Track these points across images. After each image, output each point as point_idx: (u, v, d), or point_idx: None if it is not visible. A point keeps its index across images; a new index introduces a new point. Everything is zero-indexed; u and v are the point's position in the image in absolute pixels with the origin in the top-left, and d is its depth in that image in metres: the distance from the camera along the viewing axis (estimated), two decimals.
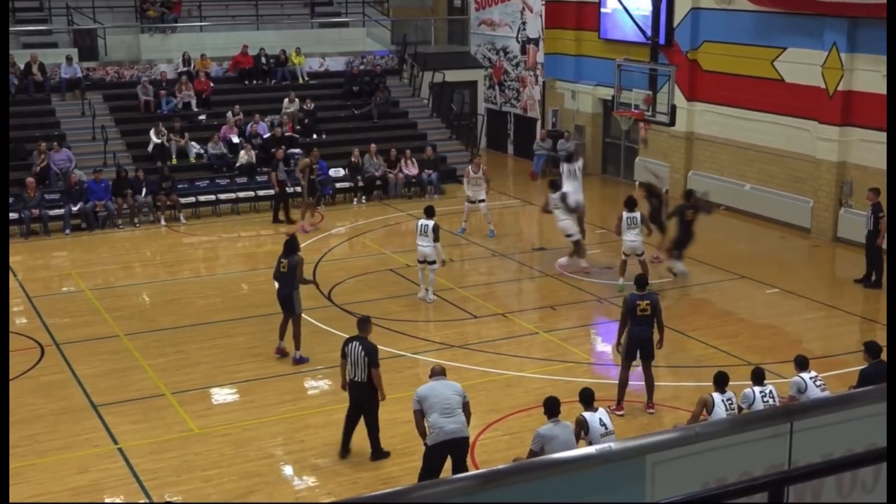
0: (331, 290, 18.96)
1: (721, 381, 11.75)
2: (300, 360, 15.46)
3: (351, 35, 33.12)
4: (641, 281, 14.08)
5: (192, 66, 29.34)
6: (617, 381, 13.97)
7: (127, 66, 29.35)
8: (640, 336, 13.53)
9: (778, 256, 20.69)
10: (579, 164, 20.78)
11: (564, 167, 20.72)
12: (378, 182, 26.62)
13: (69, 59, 28.02)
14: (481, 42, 33.48)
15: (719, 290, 19.28)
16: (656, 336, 13.63)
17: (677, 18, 26.06)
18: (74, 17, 30.00)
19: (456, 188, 27.65)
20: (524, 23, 31.33)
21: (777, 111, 23.56)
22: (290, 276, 15.50)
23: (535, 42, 31.01)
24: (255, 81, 30.00)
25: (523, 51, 31.57)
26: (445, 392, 11.16)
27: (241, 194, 25.54)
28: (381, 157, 26.93)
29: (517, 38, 31.74)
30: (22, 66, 27.55)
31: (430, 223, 18.19)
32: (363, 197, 26.44)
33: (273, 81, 30.10)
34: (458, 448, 11.06)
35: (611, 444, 5.03)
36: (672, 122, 24.41)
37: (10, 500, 11.49)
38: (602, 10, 28.33)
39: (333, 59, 31.49)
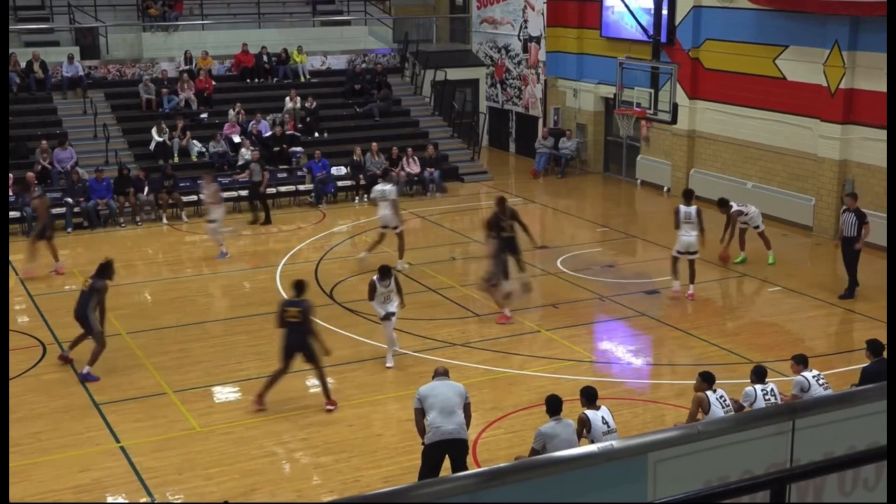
0: (332, 289, 18.96)
1: (709, 379, 11.71)
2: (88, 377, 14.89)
3: (352, 33, 33.12)
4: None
5: (193, 65, 29.35)
6: (619, 379, 13.97)
7: (129, 64, 29.36)
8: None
9: (780, 254, 20.66)
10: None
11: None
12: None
13: (70, 58, 28.04)
14: (483, 40, 33.47)
15: (721, 289, 19.28)
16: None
17: (679, 16, 26.05)
18: (76, 15, 30.01)
19: (458, 186, 27.68)
20: (526, 21, 31.31)
21: (779, 109, 23.55)
22: None
23: (537, 40, 30.99)
24: (256, 80, 30.00)
25: (525, 49, 31.56)
26: (447, 392, 11.13)
27: (243, 192, 25.52)
28: (382, 156, 26.93)
29: (519, 36, 31.72)
30: (24, 65, 27.56)
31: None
32: (365, 195, 26.43)
33: (275, 80, 30.10)
34: (455, 449, 11.01)
35: (612, 443, 5.03)
36: (674, 121, 24.41)
37: (12, 499, 11.51)
38: (604, 8, 28.30)
39: (335, 57, 31.48)
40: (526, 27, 31.35)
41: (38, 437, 13.06)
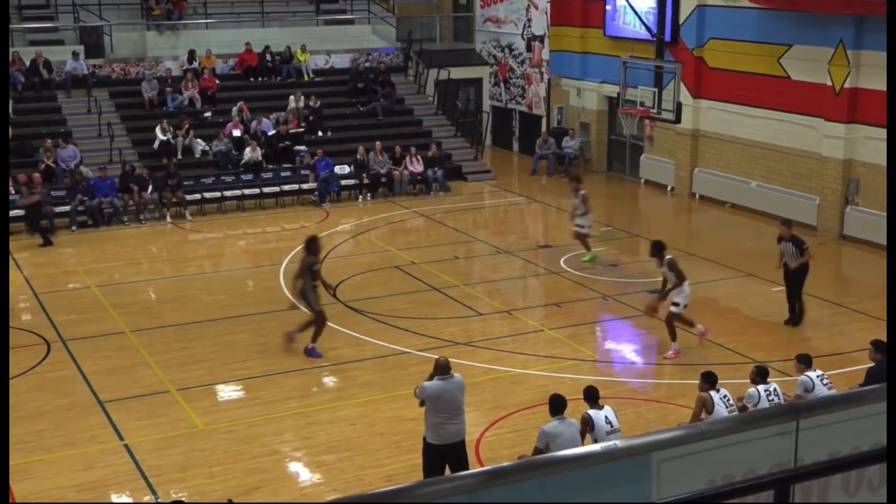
0: (336, 287, 18.96)
1: (711, 380, 11.70)
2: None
3: (356, 32, 33.11)
4: None
5: (197, 64, 29.37)
6: (622, 379, 13.95)
7: (133, 63, 29.38)
8: None
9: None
10: None
11: None
12: (383, 179, 26.62)
13: (75, 54, 28.07)
14: (486, 39, 33.46)
15: (725, 288, 19.25)
16: None
17: (683, 15, 26.02)
18: (80, 14, 30.03)
19: (461, 185, 27.67)
20: (529, 20, 31.30)
21: (783, 108, 23.53)
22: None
23: (541, 39, 30.98)
24: (260, 79, 30.01)
25: (528, 48, 31.54)
26: (456, 393, 11.11)
27: (247, 191, 25.56)
28: (386, 155, 26.93)
29: (522, 35, 31.71)
30: (28, 64, 27.59)
31: None
32: (368, 194, 26.44)
33: (278, 79, 30.10)
34: (456, 450, 11.05)
35: (616, 442, 5.02)
36: (678, 120, 24.40)
37: (16, 496, 11.52)
38: (607, 6, 28.28)
39: (338, 56, 31.48)
40: (529, 26, 31.33)
41: (42, 434, 13.08)
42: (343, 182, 26.43)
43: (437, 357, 11.84)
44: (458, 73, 32.14)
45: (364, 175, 26.46)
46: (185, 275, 20.48)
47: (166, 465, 12.23)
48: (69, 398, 14.20)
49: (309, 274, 15.57)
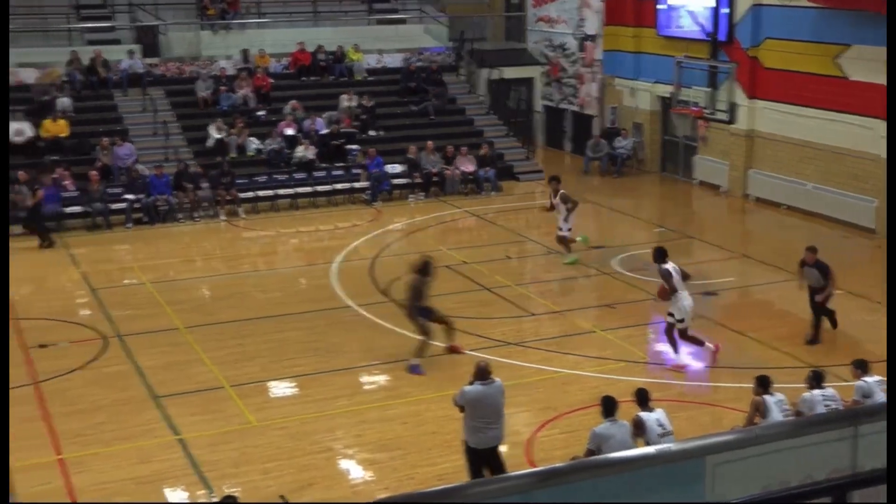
0: (388, 286, 19.04)
1: (766, 383, 11.58)
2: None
3: (408, 32, 33.22)
4: None
5: (250, 63, 29.63)
6: (674, 381, 13.84)
7: (187, 62, 29.72)
8: None
9: (840, 257, 20.36)
10: None
11: None
12: (435, 178, 26.67)
13: (131, 53, 28.46)
14: (539, 39, 33.39)
15: (779, 291, 19.03)
16: None
17: (738, 15, 25.77)
18: (137, 14, 30.43)
19: (513, 185, 27.65)
20: (582, 19, 31.18)
21: (839, 109, 23.22)
22: None
23: (593, 39, 30.86)
24: (312, 78, 30.20)
25: (581, 47, 31.43)
26: (497, 397, 11.16)
27: (300, 189, 25.75)
28: (437, 154, 26.99)
29: (575, 34, 31.60)
30: (86, 63, 28.02)
31: None
32: (420, 193, 26.51)
33: (331, 78, 30.28)
34: (494, 455, 11.12)
35: (670, 445, 5.01)
36: (732, 120, 24.18)
37: (74, 488, 11.73)
38: (661, 6, 28.10)
39: (390, 55, 31.59)
40: (582, 25, 31.21)
41: (99, 428, 13.28)
42: (395, 181, 26.53)
43: (478, 361, 11.86)
44: (510, 72, 32.11)
45: (416, 174, 26.54)
46: (238, 272, 20.68)
47: (220, 461, 12.37)
48: (125, 393, 14.41)
49: (417, 294, 15.34)
